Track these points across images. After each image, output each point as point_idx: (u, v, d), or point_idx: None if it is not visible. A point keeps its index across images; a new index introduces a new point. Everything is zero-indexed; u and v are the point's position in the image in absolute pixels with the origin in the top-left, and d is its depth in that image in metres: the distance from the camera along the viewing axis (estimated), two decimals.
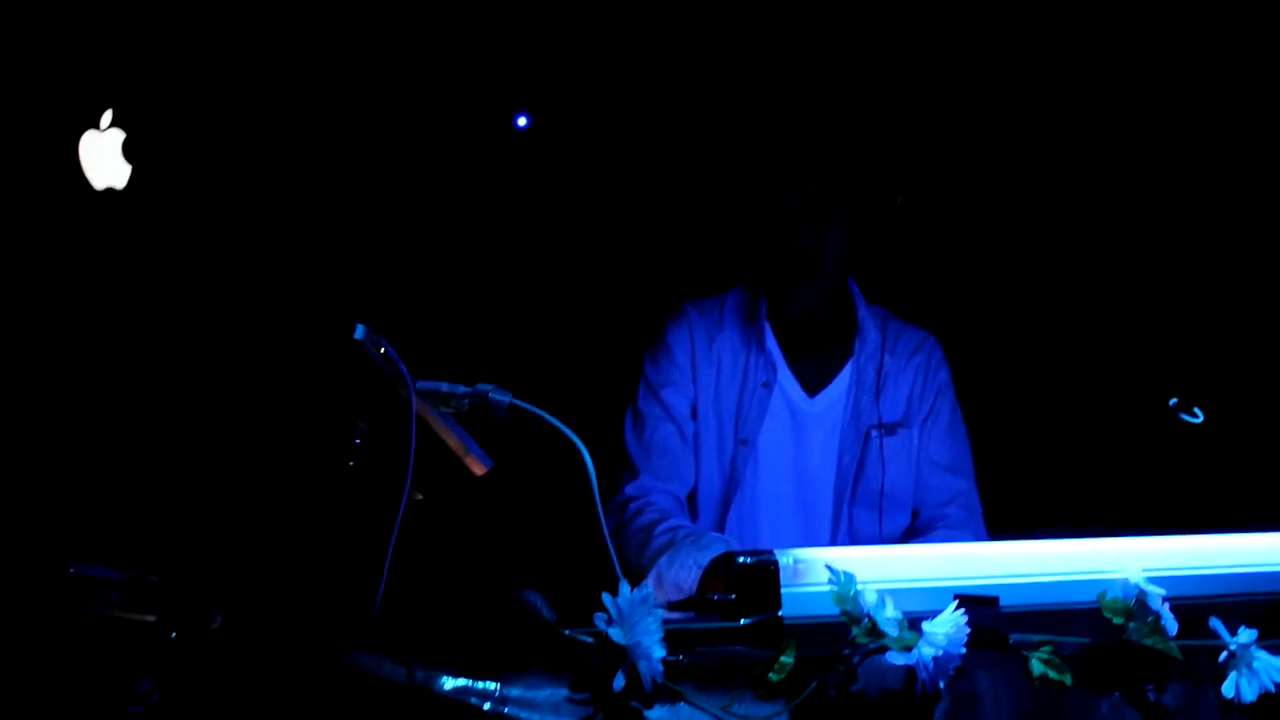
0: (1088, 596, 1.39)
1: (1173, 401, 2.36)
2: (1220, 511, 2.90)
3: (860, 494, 2.34)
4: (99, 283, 1.42)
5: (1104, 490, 3.03)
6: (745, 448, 2.33)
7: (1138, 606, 1.37)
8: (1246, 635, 1.39)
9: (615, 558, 1.42)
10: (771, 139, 2.45)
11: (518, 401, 1.40)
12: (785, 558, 1.35)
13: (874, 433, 2.34)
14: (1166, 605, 1.35)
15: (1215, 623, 1.40)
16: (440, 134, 2.98)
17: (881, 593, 1.28)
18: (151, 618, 1.54)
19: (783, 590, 1.33)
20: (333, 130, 1.27)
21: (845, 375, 2.37)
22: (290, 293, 1.30)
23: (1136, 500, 2.97)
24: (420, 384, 1.41)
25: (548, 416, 1.39)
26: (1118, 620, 1.35)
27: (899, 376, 2.39)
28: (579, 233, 3.18)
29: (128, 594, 1.59)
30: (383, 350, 1.31)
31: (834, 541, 2.33)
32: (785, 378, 2.36)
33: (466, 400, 1.40)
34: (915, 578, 1.36)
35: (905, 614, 1.31)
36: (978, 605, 1.37)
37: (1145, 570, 1.40)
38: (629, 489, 2.30)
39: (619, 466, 2.36)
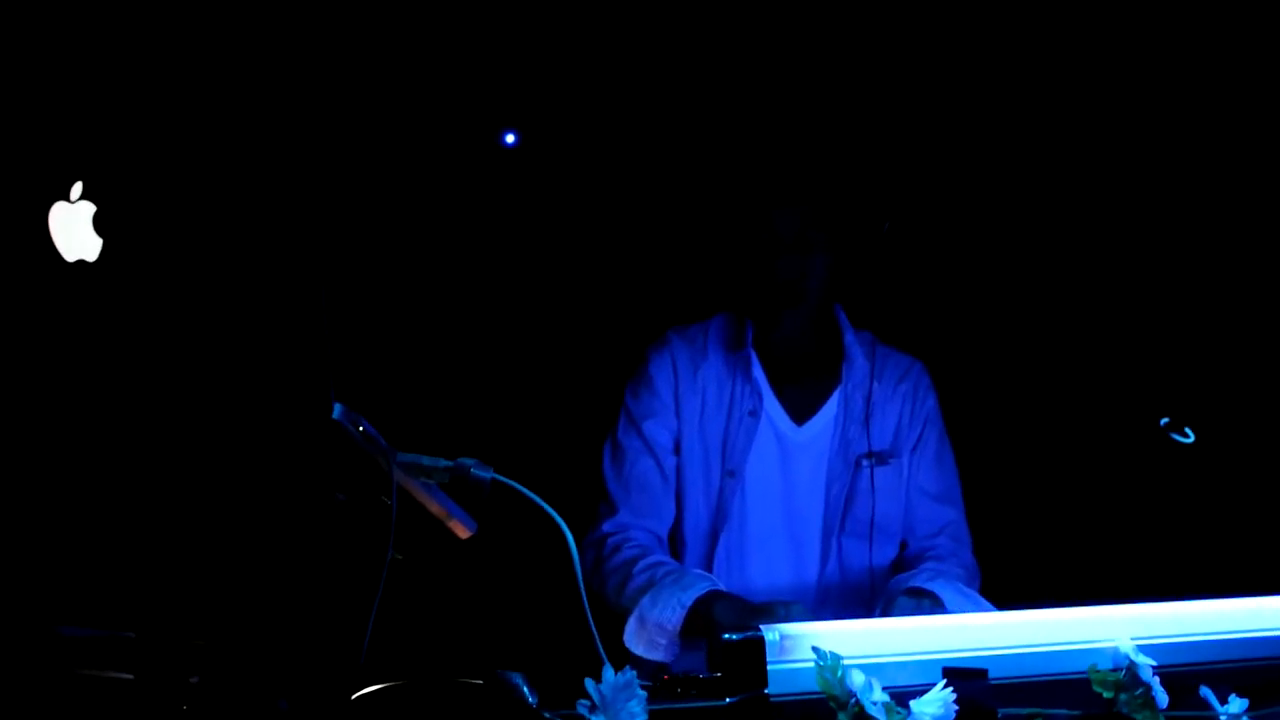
0: (1077, 666, 1.38)
1: (1164, 421, 2.35)
2: (1211, 536, 2.95)
3: (850, 524, 2.30)
4: (74, 355, 1.38)
5: (1094, 515, 3.02)
6: (732, 479, 2.29)
7: (1128, 678, 1.36)
8: (1237, 705, 1.38)
9: (598, 638, 1.40)
10: (756, 162, 2.43)
11: (500, 477, 1.38)
12: (771, 634, 1.33)
13: (864, 462, 2.31)
14: (1157, 677, 1.35)
15: (1205, 692, 1.39)
16: (410, 171, 2.98)
17: (868, 673, 1.27)
18: (130, 676, 1.54)
19: (769, 667, 1.32)
20: (303, 209, 1.24)
21: (833, 403, 2.33)
22: (266, 369, 1.28)
23: (1127, 525, 2.97)
24: (401, 457, 1.39)
25: (531, 494, 1.37)
26: (1108, 694, 1.34)
27: (887, 403, 2.36)
28: (560, 256, 3.15)
29: (110, 652, 1.58)
30: (361, 429, 1.29)
31: (823, 573, 2.30)
32: (772, 406, 2.32)
33: (447, 475, 1.39)
34: (903, 651, 1.35)
35: (893, 689, 1.30)
36: (966, 678, 1.36)
37: (1134, 638, 1.40)
38: (606, 525, 2.26)
39: (596, 499, 2.32)
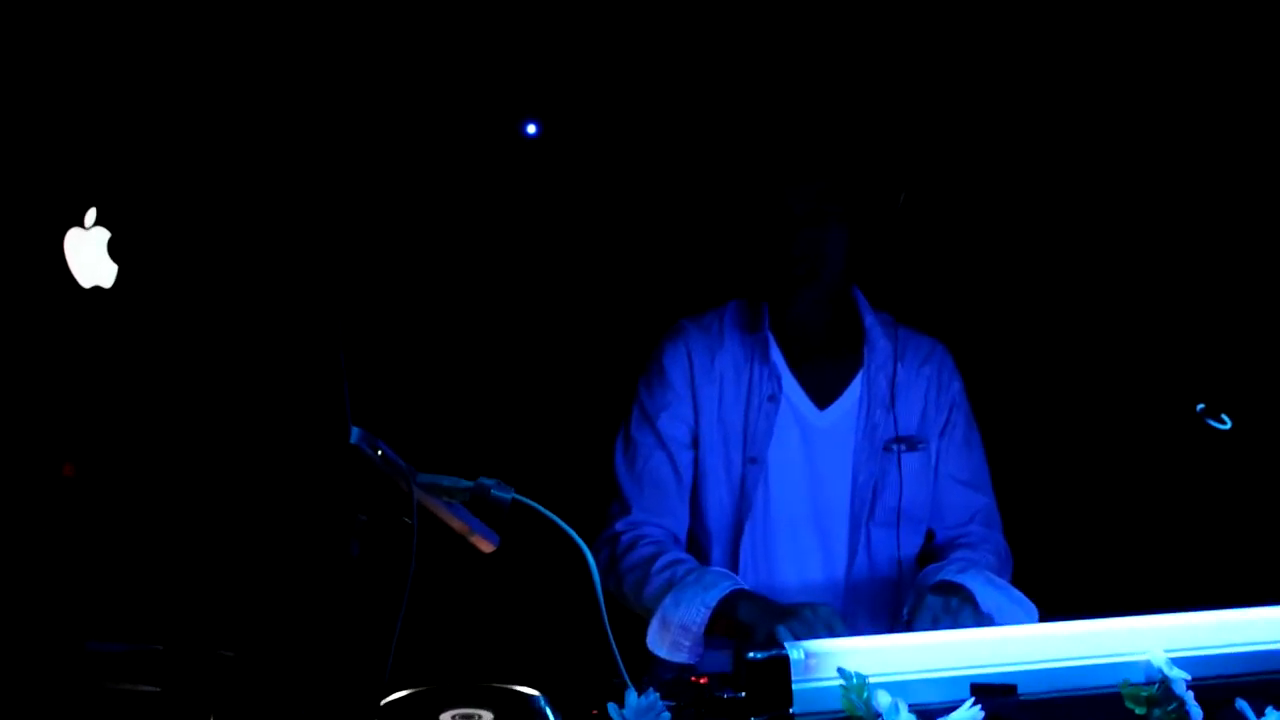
0: (1109, 680, 1.36)
1: (1200, 407, 2.30)
2: (1251, 531, 2.89)
3: (879, 513, 2.24)
4: (94, 379, 1.38)
5: (1125, 507, 2.98)
6: (754, 466, 2.23)
7: (1161, 693, 1.33)
8: (1275, 718, 1.35)
9: (620, 659, 1.39)
10: (769, 138, 2.35)
11: (520, 497, 1.37)
12: (796, 652, 1.32)
13: (894, 447, 2.24)
14: (1191, 692, 1.32)
15: (1242, 704, 1.36)
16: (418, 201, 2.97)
17: (895, 691, 1.25)
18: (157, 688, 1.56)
19: (795, 686, 1.31)
20: (317, 233, 1.24)
21: (856, 386, 2.27)
22: (285, 393, 1.28)
23: (1160, 517, 2.93)
24: (421, 478, 1.38)
25: (551, 515, 1.36)
26: (1140, 710, 1.32)
27: (911, 386, 2.29)
28: (572, 250, 3.12)
29: (137, 666, 1.59)
30: (380, 453, 1.29)
31: (852, 565, 2.24)
32: (792, 390, 2.26)
33: (467, 495, 1.38)
34: (930, 668, 1.33)
35: (920, 706, 1.29)
36: (995, 694, 1.34)
37: (1167, 650, 1.37)
38: (619, 524, 2.21)
39: (608, 496, 2.27)
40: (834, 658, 1.32)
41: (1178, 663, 1.36)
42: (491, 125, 3.08)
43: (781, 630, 1.84)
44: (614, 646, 1.39)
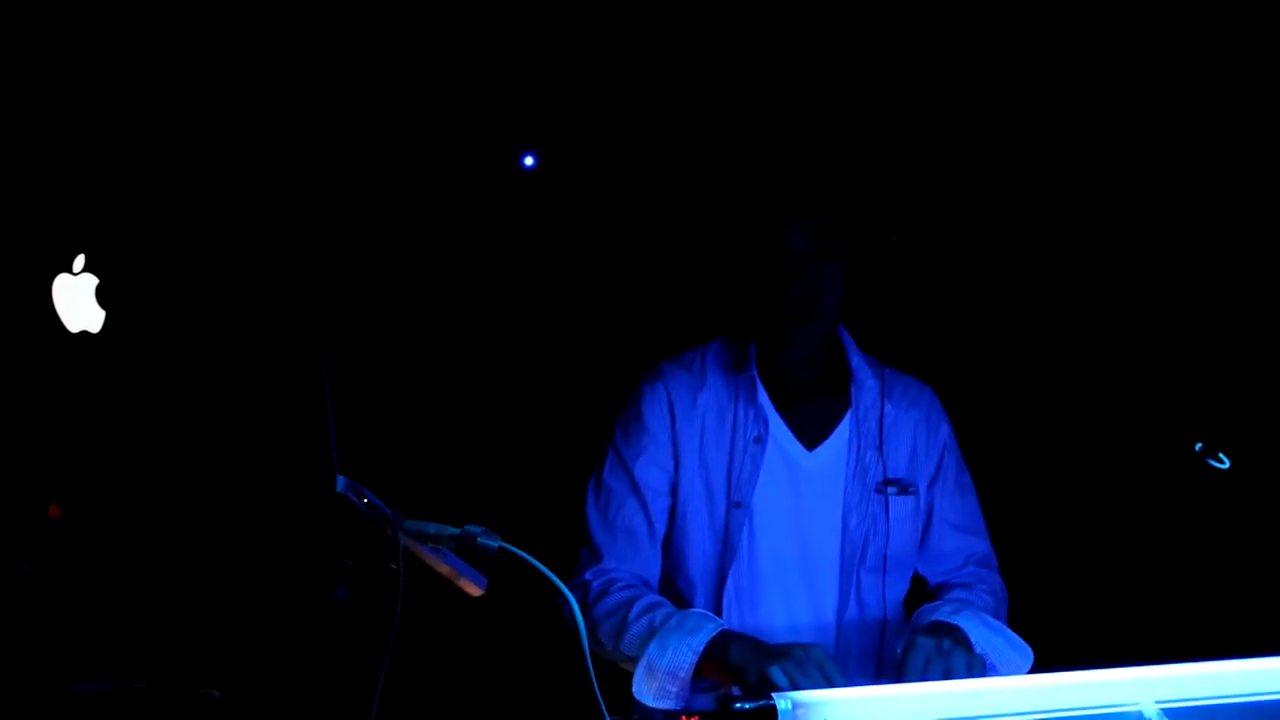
0: None
1: (1198, 446, 2.28)
2: (1250, 570, 2.87)
3: (869, 558, 2.19)
4: (80, 423, 1.38)
5: (1121, 542, 2.96)
6: (739, 511, 2.16)
7: None
8: None
9: (603, 704, 1.38)
10: (772, 171, 2.29)
11: (506, 546, 1.37)
12: (784, 702, 1.31)
13: (886, 490, 2.20)
14: None
15: None
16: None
17: None
18: None
19: None
20: (301, 281, 1.23)
21: (844, 426, 2.22)
22: (270, 442, 1.27)
23: (1157, 553, 2.91)
24: (407, 524, 1.38)
25: (539, 565, 1.35)
26: None
27: (900, 426, 2.25)
28: (557, 280, 3.10)
29: (119, 706, 1.59)
30: (366, 500, 1.28)
31: (843, 611, 2.19)
32: (779, 431, 2.20)
33: (454, 542, 1.37)
34: (921, 718, 1.32)
35: None
36: None
37: (1159, 702, 1.36)
38: (588, 574, 2.15)
39: (578, 539, 2.21)
40: (822, 708, 1.30)
41: (1170, 714, 1.35)
42: (484, 157, 3.08)
43: (774, 671, 1.81)
44: (596, 691, 1.38)
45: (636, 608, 2.04)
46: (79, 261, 1.36)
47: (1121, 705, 1.35)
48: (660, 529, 2.21)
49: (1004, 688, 1.36)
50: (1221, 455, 2.25)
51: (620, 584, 2.12)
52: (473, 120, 2.99)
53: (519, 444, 2.98)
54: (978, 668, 1.86)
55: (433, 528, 1.38)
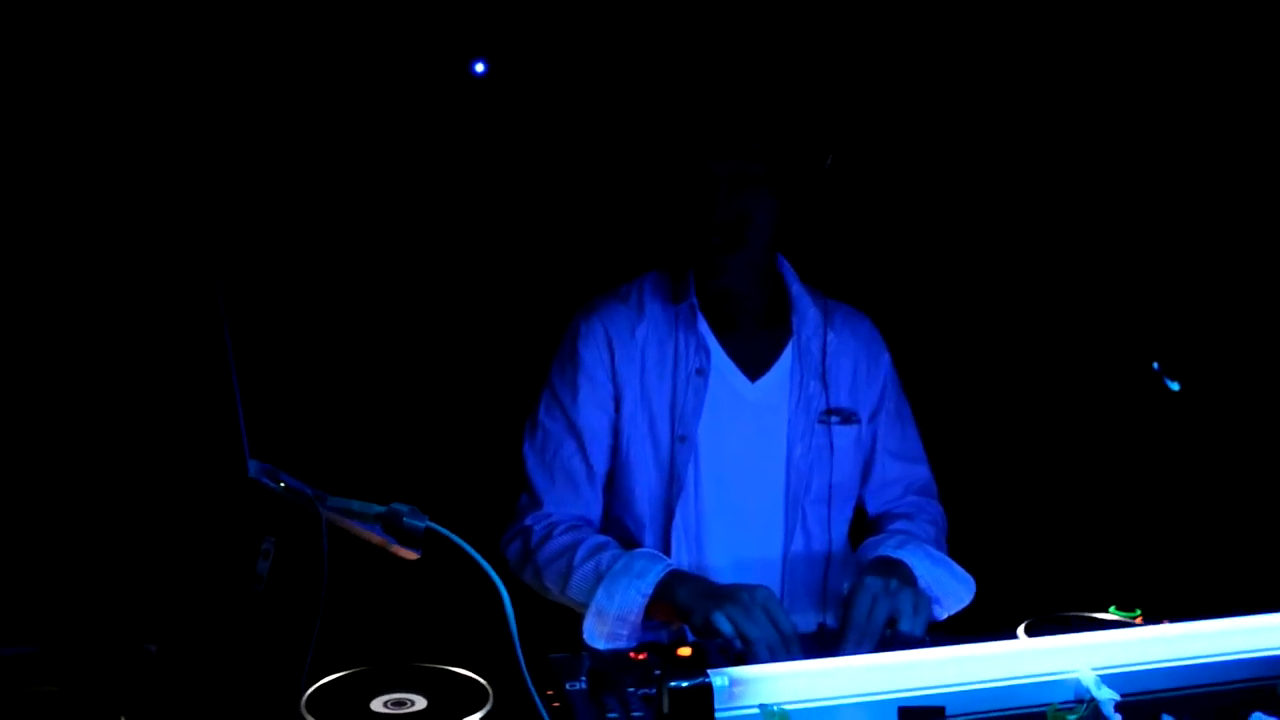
0: (1038, 699, 1.35)
1: (1155, 366, 2.27)
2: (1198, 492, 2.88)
3: (816, 487, 2.17)
4: None
5: (1061, 475, 2.95)
6: (683, 445, 2.12)
7: (1089, 713, 1.32)
8: None
9: (542, 707, 1.36)
10: (692, 98, 2.19)
11: (434, 525, 1.32)
12: (720, 679, 1.29)
13: (830, 419, 2.17)
14: (1119, 715, 1.31)
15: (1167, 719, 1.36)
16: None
17: (823, 717, 1.23)
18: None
19: (718, 714, 1.28)
20: (203, 262, 1.15)
21: (787, 356, 2.18)
22: (179, 428, 1.21)
23: (1097, 486, 2.90)
24: (331, 501, 1.32)
25: (468, 547, 1.31)
26: None
27: (841, 355, 2.22)
28: (477, 216, 2.97)
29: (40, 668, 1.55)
30: (283, 484, 1.22)
31: (789, 543, 2.17)
32: (721, 362, 2.15)
33: (379, 522, 1.32)
34: (859, 692, 1.31)
35: None
36: (923, 717, 1.32)
37: (1095, 668, 1.36)
38: (529, 519, 2.11)
39: (515, 485, 2.15)
40: (758, 684, 1.29)
41: (1107, 680, 1.35)
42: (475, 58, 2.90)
43: (718, 617, 1.80)
44: (529, 681, 1.35)
45: (581, 551, 2.00)
46: None
47: (1059, 673, 1.35)
48: (600, 470, 2.17)
49: (942, 658, 1.35)
50: (1170, 380, 2.24)
51: (562, 526, 2.09)
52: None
53: (446, 396, 2.88)
54: (924, 607, 1.86)
55: (357, 505, 1.32)
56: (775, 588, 2.19)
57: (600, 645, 1.93)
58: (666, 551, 2.15)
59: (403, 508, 1.32)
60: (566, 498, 2.13)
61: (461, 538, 1.42)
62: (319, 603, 1.37)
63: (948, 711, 1.31)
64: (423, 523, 1.31)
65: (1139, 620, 1.99)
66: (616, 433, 2.17)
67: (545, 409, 2.17)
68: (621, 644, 1.94)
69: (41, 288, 1.22)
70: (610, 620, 1.92)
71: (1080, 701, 1.33)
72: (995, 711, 1.33)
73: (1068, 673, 1.34)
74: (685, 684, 1.30)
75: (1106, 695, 1.31)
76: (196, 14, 2.38)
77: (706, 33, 2.79)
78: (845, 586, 2.05)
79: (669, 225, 2.17)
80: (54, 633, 1.58)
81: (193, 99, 2.35)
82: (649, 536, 2.17)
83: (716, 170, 2.06)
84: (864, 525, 2.30)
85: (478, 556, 1.29)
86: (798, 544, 2.20)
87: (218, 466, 1.20)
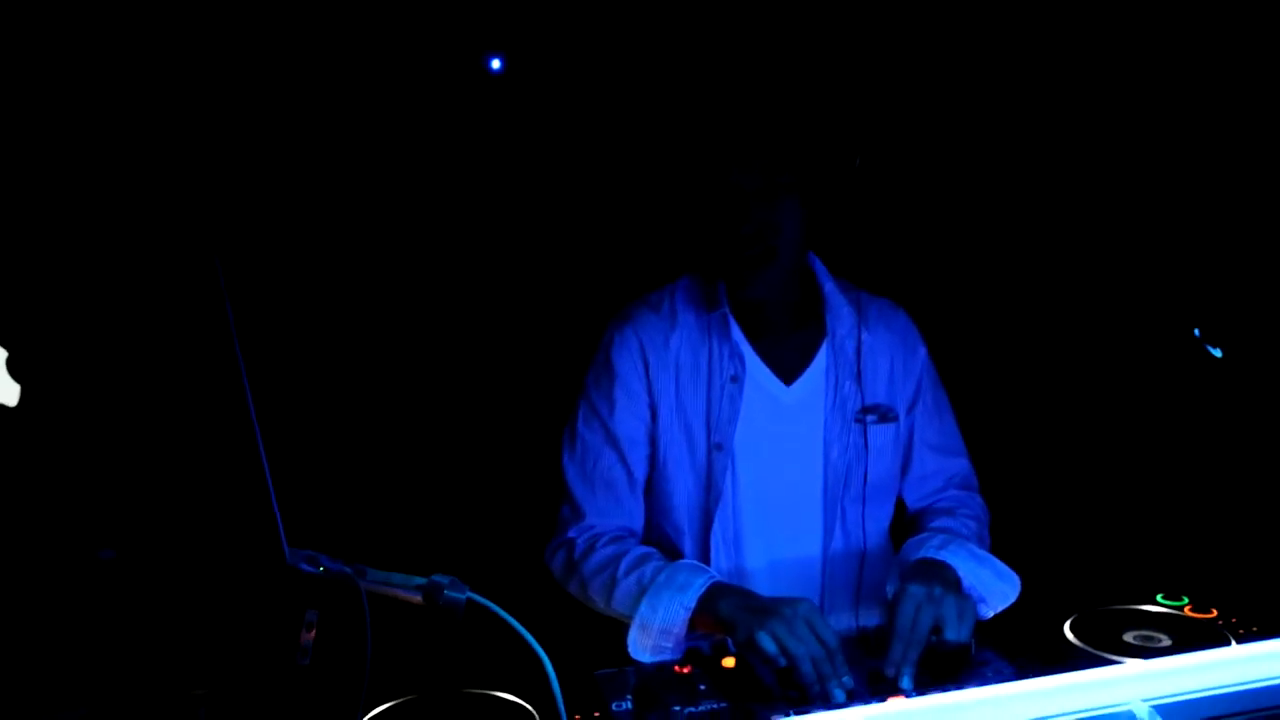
0: None
1: (1197, 332, 2.24)
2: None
3: (854, 485, 2.18)
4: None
5: (1096, 467, 2.91)
6: (720, 453, 2.13)
7: None
8: None
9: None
10: (715, 115, 2.17)
11: (476, 597, 1.31)
12: None
13: (865, 418, 2.16)
14: None
15: None
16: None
17: None
18: None
19: None
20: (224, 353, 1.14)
21: (822, 357, 2.18)
22: (214, 515, 1.20)
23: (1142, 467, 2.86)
24: (371, 575, 1.32)
25: (510, 619, 1.30)
26: None
27: (877, 352, 2.21)
28: (510, 226, 2.94)
29: None
30: (322, 569, 1.22)
31: (829, 543, 2.19)
32: (756, 368, 2.15)
33: (419, 593, 1.32)
34: None
35: None
36: None
37: (1147, 700, 1.35)
38: (571, 531, 2.13)
39: (557, 496, 2.17)
40: None
41: (1161, 710, 1.34)
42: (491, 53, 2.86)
43: (762, 636, 1.81)
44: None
45: (624, 564, 2.02)
46: None
47: (1111, 706, 1.33)
48: (640, 477, 2.18)
49: (992, 696, 1.34)
50: (1212, 347, 2.20)
51: (606, 538, 2.10)
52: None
53: (471, 408, 2.88)
54: (969, 613, 1.86)
55: (397, 578, 1.32)
56: (814, 588, 2.21)
57: (645, 658, 1.96)
58: (706, 558, 2.17)
59: (443, 580, 1.31)
60: (608, 507, 2.15)
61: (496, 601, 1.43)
62: (364, 668, 1.38)
63: None
64: (464, 595, 1.30)
65: (1187, 609, 1.98)
66: (654, 441, 2.17)
67: (583, 420, 2.18)
68: (666, 656, 1.96)
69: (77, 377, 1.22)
70: (654, 633, 1.94)
71: None
72: None
73: (1120, 705, 1.33)
74: None
75: None
76: (206, 10, 2.36)
77: (730, 43, 2.76)
78: (889, 590, 2.05)
79: (697, 238, 2.16)
80: (102, 697, 1.60)
81: (208, 116, 2.34)
82: (688, 543, 2.19)
83: (743, 184, 2.05)
84: (904, 522, 2.30)
85: (519, 626, 1.29)
86: (837, 544, 2.21)
87: (257, 556, 1.20)
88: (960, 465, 2.30)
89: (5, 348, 1.27)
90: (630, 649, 1.96)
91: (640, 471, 2.18)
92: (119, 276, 1.13)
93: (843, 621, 2.19)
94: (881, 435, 2.20)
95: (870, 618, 2.22)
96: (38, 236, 1.22)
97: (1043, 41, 2.86)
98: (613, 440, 2.15)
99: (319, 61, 2.67)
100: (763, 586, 2.10)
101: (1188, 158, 2.81)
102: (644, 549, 2.08)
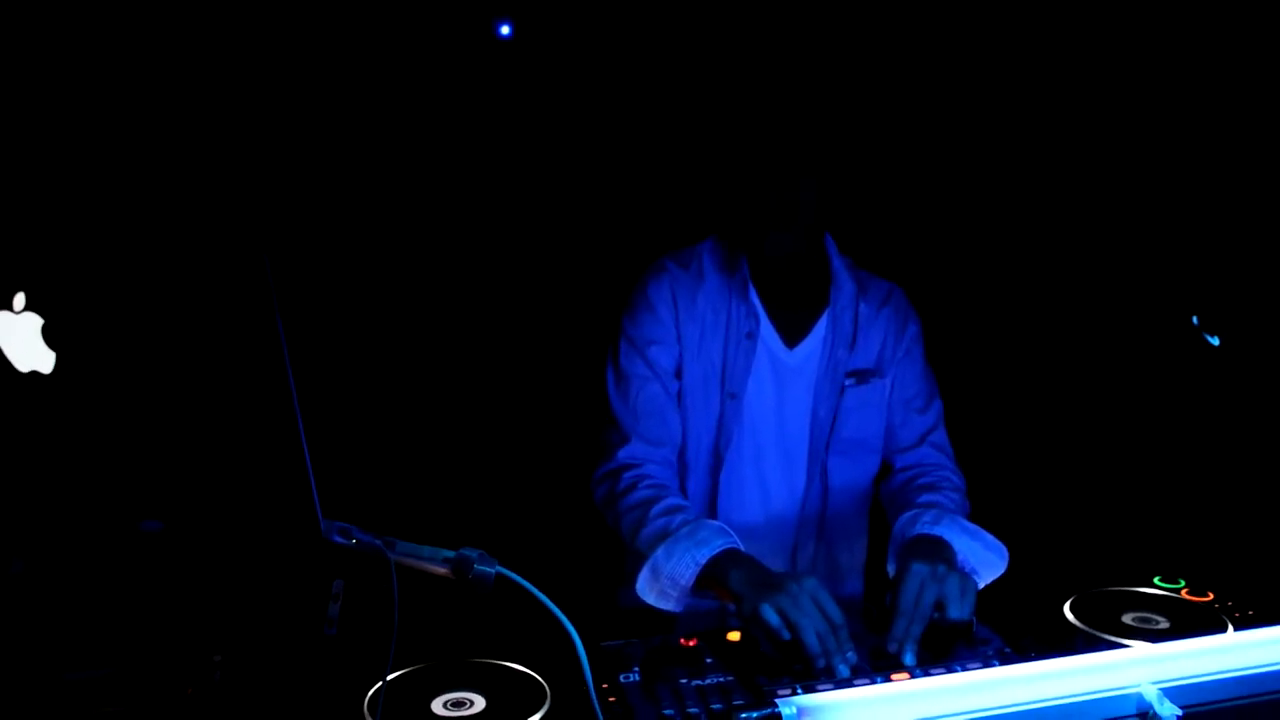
0: (1100, 715, 1.37)
1: (1195, 320, 2.28)
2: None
3: (835, 443, 2.36)
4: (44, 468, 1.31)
5: (1080, 458, 2.95)
6: (733, 401, 2.32)
7: None
8: None
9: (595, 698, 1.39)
10: (753, 118, 2.31)
11: (505, 571, 1.33)
12: (789, 708, 1.32)
13: (847, 382, 2.35)
14: None
15: None
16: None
17: None
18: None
19: None
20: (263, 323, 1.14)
21: (822, 326, 2.36)
22: (252, 487, 1.21)
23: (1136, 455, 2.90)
24: (400, 547, 1.33)
25: (539, 594, 1.32)
26: None
27: (871, 326, 2.39)
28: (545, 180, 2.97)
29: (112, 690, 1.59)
30: (355, 541, 1.24)
31: (809, 490, 2.38)
32: (766, 329, 2.34)
33: (448, 565, 1.33)
34: (923, 717, 1.33)
35: None
36: None
37: (1155, 682, 1.38)
38: (622, 454, 2.27)
39: (600, 427, 2.32)
40: (824, 711, 1.32)
41: (1169, 693, 1.37)
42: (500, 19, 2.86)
43: (766, 609, 1.85)
44: (595, 705, 1.38)
45: (657, 508, 2.13)
46: (19, 299, 1.26)
47: (1120, 689, 1.37)
48: (677, 404, 2.34)
49: (1003, 677, 1.37)
50: (1210, 335, 2.23)
51: (649, 480, 2.22)
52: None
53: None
54: (970, 590, 1.92)
55: (426, 551, 1.34)
56: (791, 525, 2.40)
57: (650, 600, 2.05)
58: (713, 495, 2.36)
59: (472, 553, 1.33)
60: (653, 431, 2.30)
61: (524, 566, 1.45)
62: (390, 641, 1.39)
63: None
64: (493, 569, 1.32)
65: (1184, 592, 2.03)
66: (679, 379, 2.35)
67: (624, 355, 2.35)
68: (670, 605, 2.06)
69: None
70: (663, 579, 2.03)
71: (1143, 716, 1.36)
72: None
73: (1130, 687, 1.37)
74: (755, 715, 1.33)
75: (1169, 711, 1.34)
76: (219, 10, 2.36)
77: (769, 34, 2.81)
78: (890, 569, 2.12)
79: (727, 205, 2.35)
80: (128, 656, 1.61)
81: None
82: (694, 483, 2.38)
83: (773, 156, 2.22)
84: (887, 481, 2.43)
85: (548, 602, 1.31)
86: (817, 491, 2.40)
87: (292, 525, 1.22)
88: (935, 423, 2.44)
89: (44, 316, 1.27)
90: (638, 588, 2.06)
91: (675, 394, 2.34)
92: (169, 258, 1.13)
93: (808, 550, 2.40)
94: (866, 395, 2.37)
95: (836, 546, 2.42)
96: (88, 216, 1.23)
97: (1042, 41, 2.89)
98: (655, 371, 2.31)
99: (364, 53, 2.70)
100: (751, 525, 2.32)
101: (1184, 148, 2.84)
102: (680, 500, 2.19)
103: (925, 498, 2.28)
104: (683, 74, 2.93)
